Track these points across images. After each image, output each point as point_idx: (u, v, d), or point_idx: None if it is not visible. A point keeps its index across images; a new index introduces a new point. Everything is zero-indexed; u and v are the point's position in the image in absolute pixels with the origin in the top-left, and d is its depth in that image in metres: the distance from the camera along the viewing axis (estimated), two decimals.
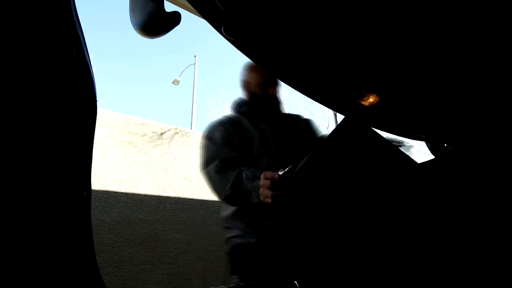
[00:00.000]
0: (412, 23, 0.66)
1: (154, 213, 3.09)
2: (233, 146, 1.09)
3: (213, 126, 1.21)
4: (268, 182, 0.87)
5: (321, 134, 1.32)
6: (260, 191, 0.90)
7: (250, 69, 1.25)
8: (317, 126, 1.35)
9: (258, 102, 1.17)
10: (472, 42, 0.69)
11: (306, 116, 1.37)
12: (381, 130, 1.06)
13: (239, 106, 1.25)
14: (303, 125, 1.29)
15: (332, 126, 10.42)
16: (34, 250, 0.31)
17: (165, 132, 3.79)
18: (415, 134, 1.05)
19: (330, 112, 10.62)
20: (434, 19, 0.64)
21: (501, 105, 0.85)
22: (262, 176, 0.91)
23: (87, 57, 0.37)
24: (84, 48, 0.37)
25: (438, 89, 0.86)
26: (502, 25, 0.63)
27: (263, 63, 0.75)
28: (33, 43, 0.34)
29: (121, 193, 3.00)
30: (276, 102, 1.19)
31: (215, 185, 1.06)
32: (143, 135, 3.31)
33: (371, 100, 0.89)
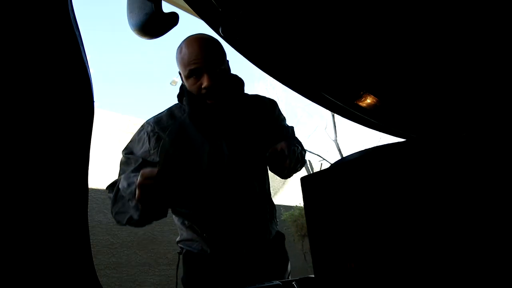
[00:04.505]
0: (409, 24, 0.66)
1: None
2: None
3: (143, 126, 0.89)
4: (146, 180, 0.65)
5: (284, 121, 1.05)
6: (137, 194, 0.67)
7: (177, 55, 0.88)
8: (280, 111, 1.05)
9: (192, 100, 0.84)
10: (469, 42, 0.69)
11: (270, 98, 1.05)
12: (378, 130, 1.07)
13: (183, 105, 0.90)
14: (266, 111, 0.99)
15: (331, 127, 10.46)
16: (30, 252, 0.31)
17: None
18: (412, 135, 1.06)
19: (328, 113, 10.63)
20: (430, 21, 0.64)
21: (499, 104, 0.86)
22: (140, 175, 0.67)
23: (84, 58, 0.37)
24: (81, 49, 0.37)
25: (435, 89, 0.87)
26: (499, 27, 0.63)
27: (261, 64, 0.75)
28: (29, 44, 0.33)
29: None
30: (215, 93, 0.83)
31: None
32: None
33: (368, 101, 0.89)
